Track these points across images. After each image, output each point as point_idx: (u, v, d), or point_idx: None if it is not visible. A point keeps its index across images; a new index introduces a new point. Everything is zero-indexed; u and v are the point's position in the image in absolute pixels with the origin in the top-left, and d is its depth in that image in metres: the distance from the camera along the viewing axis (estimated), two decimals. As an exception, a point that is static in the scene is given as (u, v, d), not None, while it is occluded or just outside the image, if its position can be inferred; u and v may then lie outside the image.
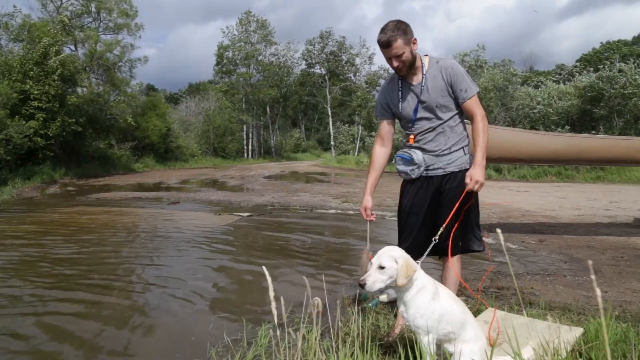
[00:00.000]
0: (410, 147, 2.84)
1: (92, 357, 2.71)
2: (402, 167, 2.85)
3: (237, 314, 3.39)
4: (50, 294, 3.90)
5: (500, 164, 17.77)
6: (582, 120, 21.33)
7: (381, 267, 2.09)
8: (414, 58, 2.67)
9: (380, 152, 2.97)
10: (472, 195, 2.72)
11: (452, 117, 2.75)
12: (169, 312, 3.46)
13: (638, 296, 3.88)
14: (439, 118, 2.74)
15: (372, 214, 2.93)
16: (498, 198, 11.27)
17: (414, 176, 2.82)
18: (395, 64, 2.64)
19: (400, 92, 2.81)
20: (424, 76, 2.73)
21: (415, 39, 2.67)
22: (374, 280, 2.08)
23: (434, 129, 2.75)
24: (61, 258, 5.16)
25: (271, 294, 0.98)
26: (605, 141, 6.72)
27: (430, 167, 2.79)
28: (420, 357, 1.98)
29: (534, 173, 19.48)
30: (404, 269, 2.07)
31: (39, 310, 3.50)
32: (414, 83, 2.75)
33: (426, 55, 2.80)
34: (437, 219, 2.79)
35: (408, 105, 2.79)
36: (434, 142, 2.76)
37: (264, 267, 0.94)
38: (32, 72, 17.91)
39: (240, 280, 4.34)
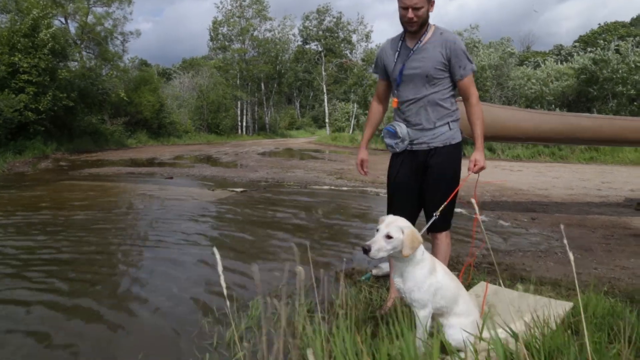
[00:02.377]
0: (397, 118, 2.84)
1: (87, 326, 2.72)
2: (388, 140, 2.86)
3: (231, 287, 3.40)
4: (49, 266, 3.90)
5: (495, 142, 17.77)
6: (577, 101, 21.32)
7: (388, 237, 2.08)
8: (427, 18, 2.66)
9: (377, 109, 3.03)
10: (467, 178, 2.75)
11: (439, 91, 2.72)
12: (161, 285, 3.46)
13: (626, 273, 3.94)
14: (425, 90, 2.71)
15: (367, 169, 2.97)
16: (492, 177, 11.30)
17: (398, 150, 2.81)
18: (410, 15, 2.60)
19: (397, 53, 2.78)
20: (422, 42, 2.69)
21: (434, 2, 2.66)
22: (379, 247, 2.07)
23: (418, 100, 2.72)
24: (55, 230, 5.14)
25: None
26: (600, 121, 6.73)
27: (415, 142, 2.78)
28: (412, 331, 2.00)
29: (527, 153, 19.53)
30: (410, 239, 2.07)
31: (38, 281, 3.49)
32: (412, 47, 2.72)
33: (433, 24, 2.76)
34: (425, 193, 2.80)
35: (397, 68, 2.77)
36: (417, 115, 2.74)
37: (214, 249, 0.92)
38: (19, 45, 17.52)
39: (234, 254, 4.34)
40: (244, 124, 41.94)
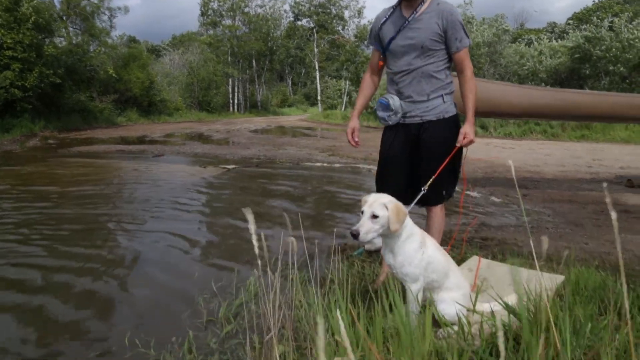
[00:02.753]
0: (390, 90, 2.80)
1: (80, 302, 2.69)
2: (380, 113, 2.82)
3: (226, 262, 3.39)
4: (43, 242, 3.86)
5: (488, 118, 17.77)
6: (570, 79, 21.31)
7: (374, 217, 2.06)
8: None
9: (369, 80, 2.98)
10: (459, 148, 2.71)
11: (434, 62, 2.67)
12: (155, 262, 3.44)
13: (614, 248, 3.97)
14: (419, 61, 2.65)
15: (358, 139, 2.93)
16: (484, 154, 11.31)
17: (391, 123, 2.77)
18: None
19: (392, 22, 2.72)
20: (418, 12, 2.63)
21: None
22: (367, 230, 2.04)
23: (411, 71, 2.67)
24: (47, 206, 5.08)
25: (252, 229, 0.94)
26: (594, 97, 6.71)
27: (408, 114, 2.74)
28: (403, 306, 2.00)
29: (519, 131, 19.57)
30: (395, 213, 2.04)
31: (31, 255, 3.46)
32: (407, 17, 2.66)
33: None
34: (417, 167, 2.77)
35: (388, 34, 2.71)
36: (410, 87, 2.69)
37: (246, 210, 0.90)
38: (1, 19, 17.04)
39: (228, 230, 4.32)
40: (236, 101, 41.51)
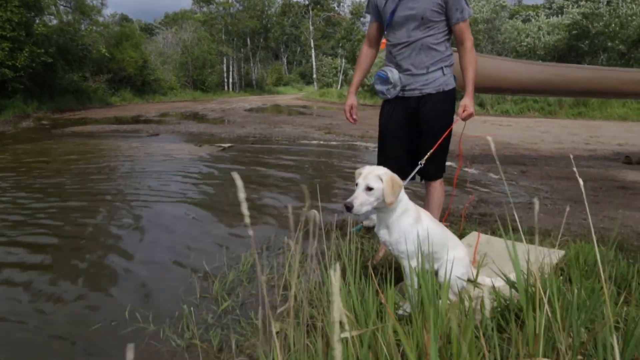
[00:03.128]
0: (388, 63, 2.73)
1: (74, 280, 2.66)
2: (379, 87, 2.75)
3: (220, 241, 3.35)
4: (33, 220, 3.81)
5: (487, 94, 17.65)
6: (568, 55, 21.14)
7: (369, 189, 2.01)
8: None
9: (367, 53, 2.90)
10: (454, 121, 2.66)
11: (434, 34, 2.59)
12: (152, 238, 3.40)
13: (615, 223, 3.95)
14: (419, 33, 2.58)
15: (356, 116, 2.87)
16: (481, 132, 11.26)
17: (389, 96, 2.71)
18: None
19: None
20: None
21: None
22: (362, 202, 1.99)
23: (410, 43, 2.60)
24: (40, 187, 5.02)
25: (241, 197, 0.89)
26: (594, 72, 6.64)
27: (407, 88, 2.67)
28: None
29: (516, 108, 19.49)
30: (390, 185, 1.99)
31: (22, 234, 3.41)
32: None
33: None
34: (417, 142, 2.72)
35: (390, 5, 2.63)
36: (409, 59, 2.62)
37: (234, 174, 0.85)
38: (-17, -3, 16.64)
39: (222, 209, 4.27)
40: (230, 80, 41.11)
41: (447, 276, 2.05)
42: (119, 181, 5.49)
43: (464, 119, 2.62)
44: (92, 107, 21.72)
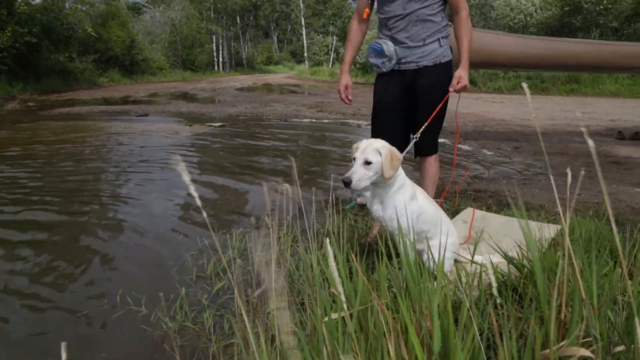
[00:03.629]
0: (382, 35, 2.64)
1: (65, 259, 2.59)
2: (373, 60, 2.67)
3: (212, 220, 3.29)
4: (24, 197, 3.72)
5: (481, 69, 17.54)
6: (560, 31, 21.00)
7: (367, 163, 1.94)
8: None
9: (357, 28, 2.81)
10: (448, 94, 2.59)
11: (428, 5, 2.51)
12: (143, 219, 3.33)
13: (609, 198, 3.93)
14: (414, 4, 2.49)
15: (351, 96, 2.79)
16: (474, 108, 11.20)
17: (385, 70, 2.63)
18: None
19: None
20: None
21: None
22: (360, 177, 1.93)
23: (406, 16, 2.51)
24: (30, 166, 4.91)
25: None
26: (590, 46, 6.55)
27: (403, 60, 2.59)
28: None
29: (509, 85, 19.44)
30: (389, 159, 1.93)
31: (12, 213, 3.33)
32: None
33: None
34: (412, 116, 2.65)
35: None
36: (405, 31, 2.53)
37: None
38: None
39: (214, 188, 4.20)
40: (220, 59, 40.55)
41: (440, 256, 2.01)
42: (108, 161, 5.38)
43: (458, 91, 2.54)
44: (80, 88, 21.34)
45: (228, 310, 2.00)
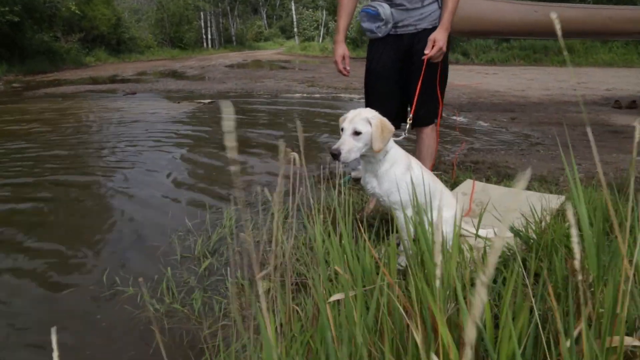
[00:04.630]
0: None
1: (54, 241, 2.47)
2: (367, 25, 2.49)
3: (203, 196, 3.16)
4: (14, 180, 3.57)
5: (479, 38, 17.26)
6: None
7: (356, 133, 1.81)
8: None
9: None
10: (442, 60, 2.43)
11: None
12: (131, 197, 3.20)
13: (610, 167, 3.85)
14: None
15: (349, 66, 2.61)
16: (467, 80, 11.03)
17: (380, 34, 2.46)
18: None
19: None
20: None
21: None
22: (349, 148, 1.80)
23: None
24: (19, 145, 4.73)
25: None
26: (586, 11, 6.38)
27: (400, 24, 2.42)
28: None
29: (502, 56, 19.22)
30: (379, 130, 1.79)
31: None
32: None
33: None
34: (409, 84, 2.50)
35: None
36: None
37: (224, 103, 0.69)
38: None
39: (204, 165, 4.06)
40: (209, 36, 39.80)
41: (444, 230, 1.90)
42: (95, 138, 5.21)
43: (433, 57, 2.34)
44: (66, 68, 20.84)
45: (216, 292, 1.88)
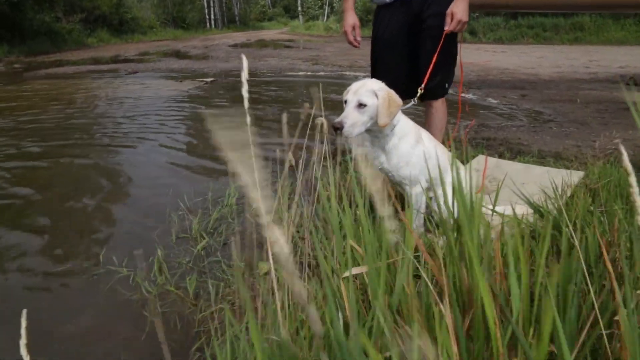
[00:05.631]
0: None
1: (50, 220, 2.37)
2: None
3: (203, 175, 3.05)
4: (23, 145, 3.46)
5: (485, 10, 16.84)
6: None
7: (361, 105, 1.66)
8: None
9: None
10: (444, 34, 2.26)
11: None
12: (132, 176, 3.10)
13: (628, 144, 3.69)
14: None
15: (360, 37, 2.44)
16: (475, 58, 10.77)
17: (388, 0, 2.30)
18: None
19: None
20: None
21: None
22: (353, 122, 1.65)
23: None
24: (19, 122, 4.62)
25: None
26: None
27: None
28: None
29: (510, 35, 18.85)
30: (386, 104, 1.64)
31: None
32: None
33: None
34: (417, 53, 2.34)
35: None
36: None
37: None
38: None
39: (205, 142, 3.93)
40: (212, 17, 39.27)
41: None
42: (94, 117, 5.09)
43: (455, 30, 2.19)
44: (68, 49, 20.60)
45: (212, 275, 1.77)
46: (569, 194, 1.98)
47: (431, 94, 2.39)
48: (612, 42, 16.17)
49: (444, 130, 2.65)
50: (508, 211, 1.83)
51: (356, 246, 0.99)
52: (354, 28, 2.40)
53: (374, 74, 2.45)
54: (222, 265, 1.81)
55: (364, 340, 0.64)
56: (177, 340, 1.43)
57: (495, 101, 5.73)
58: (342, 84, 7.40)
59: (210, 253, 1.97)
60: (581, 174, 2.39)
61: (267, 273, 1.43)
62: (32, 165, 3.40)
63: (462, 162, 2.75)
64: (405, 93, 2.23)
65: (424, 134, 1.90)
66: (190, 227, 2.20)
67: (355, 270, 0.97)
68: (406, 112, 1.90)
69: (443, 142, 2.90)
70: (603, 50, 13.39)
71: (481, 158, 2.73)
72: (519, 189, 1.88)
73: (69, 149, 3.83)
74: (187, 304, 1.59)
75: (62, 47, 20.84)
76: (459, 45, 2.37)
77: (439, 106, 2.49)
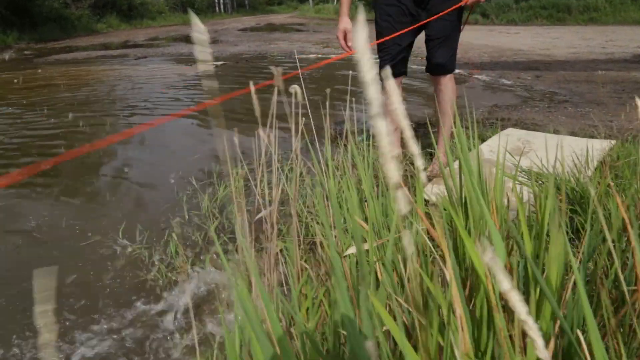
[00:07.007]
0: None
1: (67, 198, 2.37)
2: None
3: (210, 158, 3.03)
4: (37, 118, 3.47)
5: None
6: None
7: None
8: None
9: None
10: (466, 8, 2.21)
11: None
12: (143, 156, 3.09)
13: (646, 123, 3.60)
14: None
15: (351, 42, 2.38)
16: (487, 40, 10.59)
17: None
18: None
19: None
20: None
21: None
22: None
23: None
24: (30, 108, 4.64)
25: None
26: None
27: None
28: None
29: (523, 16, 18.47)
30: None
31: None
32: None
33: None
34: (426, 32, 2.28)
35: None
36: None
37: None
38: None
39: (214, 121, 3.91)
40: (221, 1, 39.05)
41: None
42: (106, 99, 5.09)
43: (471, 3, 2.14)
44: (78, 35, 20.61)
45: (227, 251, 1.76)
46: (595, 163, 1.92)
47: (440, 68, 2.33)
48: (630, 22, 15.79)
49: (454, 103, 2.59)
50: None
51: (361, 222, 0.96)
52: (345, 33, 2.32)
53: (380, 52, 2.37)
54: (235, 245, 1.80)
55: (372, 298, 0.61)
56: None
57: (509, 82, 5.63)
58: (352, 66, 7.33)
59: (220, 230, 1.95)
60: (610, 142, 2.31)
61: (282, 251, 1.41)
62: (41, 142, 3.41)
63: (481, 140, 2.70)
64: (403, 66, 2.21)
65: None
66: (200, 204, 2.18)
67: (349, 251, 0.95)
68: (410, 85, 1.86)
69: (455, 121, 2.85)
70: (620, 30, 13.09)
71: (512, 130, 2.66)
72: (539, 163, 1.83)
73: (81, 125, 3.85)
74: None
75: (71, 33, 20.85)
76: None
77: (447, 82, 2.41)
